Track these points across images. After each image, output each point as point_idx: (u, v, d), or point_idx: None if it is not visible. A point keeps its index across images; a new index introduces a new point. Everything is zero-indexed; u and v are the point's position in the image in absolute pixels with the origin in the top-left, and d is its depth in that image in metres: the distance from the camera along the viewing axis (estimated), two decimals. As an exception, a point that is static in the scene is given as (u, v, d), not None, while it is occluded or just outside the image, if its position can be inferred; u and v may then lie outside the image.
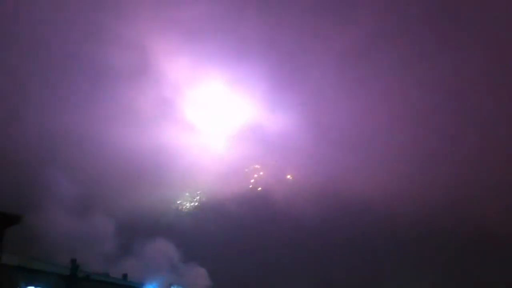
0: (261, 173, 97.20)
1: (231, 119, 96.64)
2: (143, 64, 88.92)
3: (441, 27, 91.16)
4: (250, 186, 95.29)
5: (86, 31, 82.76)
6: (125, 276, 58.17)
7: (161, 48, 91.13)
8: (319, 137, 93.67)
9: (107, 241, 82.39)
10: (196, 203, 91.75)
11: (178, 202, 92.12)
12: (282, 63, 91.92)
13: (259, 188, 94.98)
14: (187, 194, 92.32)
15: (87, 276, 44.18)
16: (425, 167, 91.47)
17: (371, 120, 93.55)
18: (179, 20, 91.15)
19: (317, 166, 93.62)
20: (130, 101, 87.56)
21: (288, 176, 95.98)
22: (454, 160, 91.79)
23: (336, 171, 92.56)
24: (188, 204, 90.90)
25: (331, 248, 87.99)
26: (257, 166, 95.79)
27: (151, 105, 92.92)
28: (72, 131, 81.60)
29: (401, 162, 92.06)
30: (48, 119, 79.22)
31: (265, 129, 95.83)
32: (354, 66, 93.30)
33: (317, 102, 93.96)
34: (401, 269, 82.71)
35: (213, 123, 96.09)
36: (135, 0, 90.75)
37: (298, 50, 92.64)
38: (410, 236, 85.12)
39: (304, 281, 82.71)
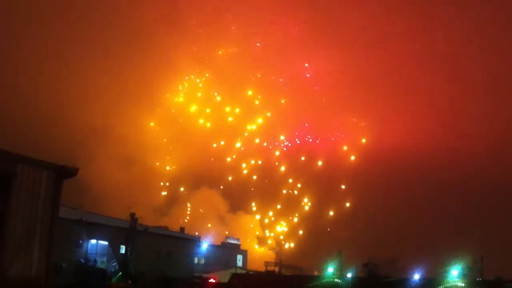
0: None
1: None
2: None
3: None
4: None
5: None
6: (182, 229, 57.64)
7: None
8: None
9: (158, 193, 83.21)
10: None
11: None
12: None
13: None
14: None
15: (145, 229, 43.45)
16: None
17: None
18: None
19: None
20: (168, 57, 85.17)
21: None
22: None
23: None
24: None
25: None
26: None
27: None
28: (120, 87, 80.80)
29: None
30: (96, 79, 78.67)
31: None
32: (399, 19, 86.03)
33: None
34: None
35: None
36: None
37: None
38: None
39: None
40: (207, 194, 79.89)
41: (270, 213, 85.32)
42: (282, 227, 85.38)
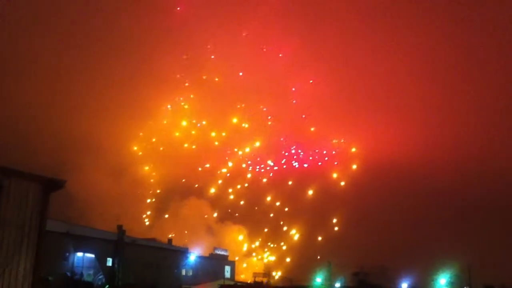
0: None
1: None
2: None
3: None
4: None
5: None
6: (170, 241, 57.15)
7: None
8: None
9: (145, 204, 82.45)
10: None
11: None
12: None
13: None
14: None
15: (133, 241, 43.06)
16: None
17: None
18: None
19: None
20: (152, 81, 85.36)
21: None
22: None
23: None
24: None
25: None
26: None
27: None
28: (108, 101, 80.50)
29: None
30: (84, 92, 78.43)
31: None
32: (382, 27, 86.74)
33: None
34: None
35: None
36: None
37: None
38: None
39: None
40: (195, 205, 79.37)
41: (257, 243, 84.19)
42: (269, 256, 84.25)
